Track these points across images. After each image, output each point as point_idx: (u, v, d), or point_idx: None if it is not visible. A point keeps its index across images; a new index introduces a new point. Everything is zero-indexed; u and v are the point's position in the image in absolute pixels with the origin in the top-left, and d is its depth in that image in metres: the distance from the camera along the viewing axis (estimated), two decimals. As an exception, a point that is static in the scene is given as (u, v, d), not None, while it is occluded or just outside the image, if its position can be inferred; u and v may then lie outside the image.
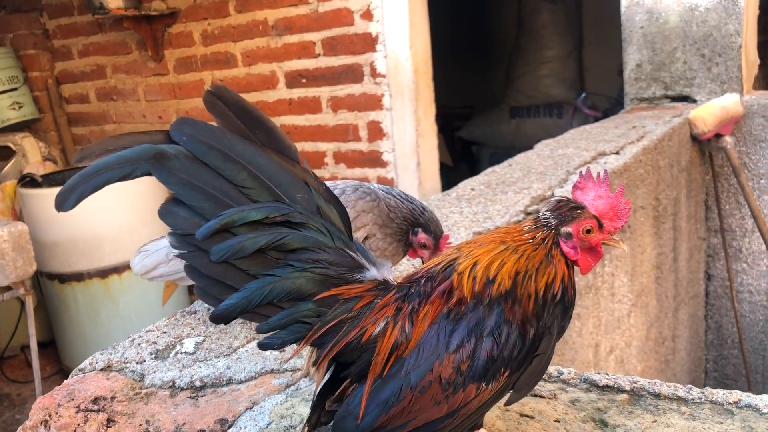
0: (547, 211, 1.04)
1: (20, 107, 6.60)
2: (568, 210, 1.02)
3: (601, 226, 1.01)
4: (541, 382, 1.26)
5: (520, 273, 0.98)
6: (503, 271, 0.98)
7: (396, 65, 4.90)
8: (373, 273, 1.01)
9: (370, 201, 1.48)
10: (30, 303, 4.85)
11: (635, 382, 1.22)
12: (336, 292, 0.97)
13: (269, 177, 0.95)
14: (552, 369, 1.29)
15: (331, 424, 0.99)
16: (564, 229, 1.01)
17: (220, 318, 0.95)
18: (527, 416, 1.16)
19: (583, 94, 6.98)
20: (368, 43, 5.00)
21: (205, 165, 0.92)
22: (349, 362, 0.98)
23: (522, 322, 0.96)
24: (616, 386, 1.23)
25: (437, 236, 1.51)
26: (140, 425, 1.23)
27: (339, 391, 0.99)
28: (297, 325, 0.96)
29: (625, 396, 1.20)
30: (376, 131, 5.14)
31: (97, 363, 1.47)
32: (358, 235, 1.50)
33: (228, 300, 0.94)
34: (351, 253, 0.99)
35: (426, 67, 5.03)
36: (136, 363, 1.47)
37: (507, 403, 1.05)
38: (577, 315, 2.52)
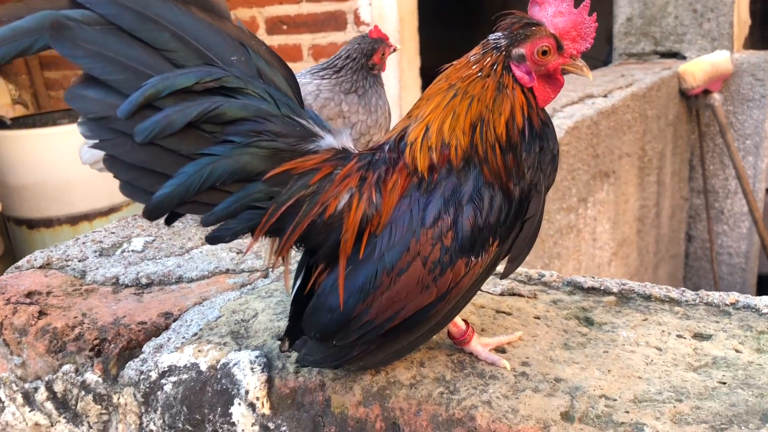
0: (497, 30, 0.89)
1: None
2: (520, 27, 0.87)
3: (560, 47, 0.87)
4: (520, 285, 1.15)
5: (476, 124, 0.85)
6: (457, 128, 0.85)
7: (381, 13, 4.73)
8: (329, 141, 0.87)
9: (335, 106, 1.35)
10: (-4, 246, 4.69)
11: (623, 285, 1.12)
12: (288, 166, 0.83)
13: (196, 38, 0.79)
14: (533, 272, 1.19)
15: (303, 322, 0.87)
16: (516, 51, 0.87)
17: (154, 212, 0.80)
18: (504, 312, 1.05)
19: (570, 56, 6.85)
20: (353, -11, 4.81)
21: (119, 30, 0.77)
22: (317, 247, 0.86)
23: (504, 182, 0.84)
24: (602, 288, 1.12)
25: (375, 41, 1.42)
26: (75, 317, 1.10)
27: (311, 283, 0.86)
28: (248, 211, 0.82)
29: (612, 298, 1.09)
30: (357, 82, 4.97)
31: (35, 260, 1.34)
32: None
33: (161, 189, 0.79)
34: (301, 120, 0.85)
35: (411, 17, 4.87)
36: (78, 261, 1.34)
37: (503, 276, 0.94)
38: (558, 254, 2.42)
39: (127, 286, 1.23)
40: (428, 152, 0.84)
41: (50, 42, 0.75)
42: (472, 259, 0.83)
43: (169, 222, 0.85)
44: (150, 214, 0.80)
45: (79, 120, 0.78)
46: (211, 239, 0.83)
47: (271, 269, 1.16)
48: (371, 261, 0.82)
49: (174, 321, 1.09)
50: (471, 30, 8.57)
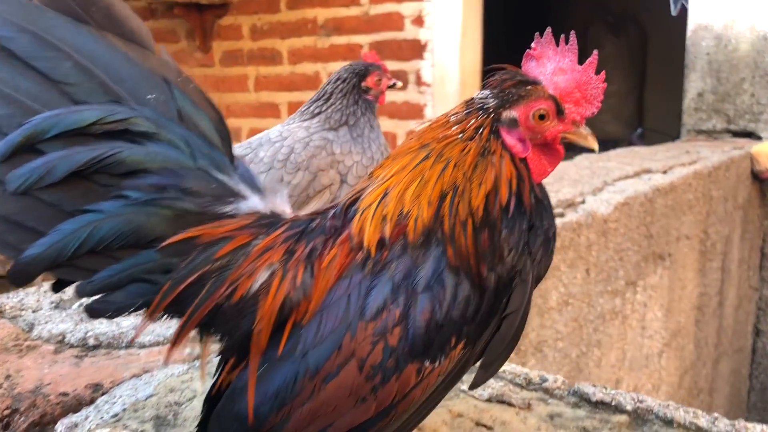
0: (485, 89, 0.73)
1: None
2: (513, 85, 0.71)
3: (560, 111, 0.71)
4: (515, 388, 0.96)
5: (447, 193, 0.68)
6: (422, 195, 0.68)
7: (443, 75, 4.65)
8: (252, 203, 0.71)
9: (327, 156, 1.20)
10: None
11: (640, 401, 0.91)
12: (192, 233, 0.67)
13: (106, 70, 0.66)
14: (534, 374, 0.99)
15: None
16: (507, 114, 0.71)
17: (21, 274, 0.65)
18: (484, 426, 0.85)
19: (639, 130, 6.61)
20: (416, 50, 4.77)
21: (11, 55, 0.64)
22: (226, 335, 0.69)
23: (474, 266, 0.66)
24: (613, 404, 0.91)
25: (370, 64, 1.29)
26: (-4, 379, 0.97)
27: (220, 380, 0.70)
28: (137, 284, 0.67)
29: (624, 417, 0.88)
30: (414, 142, 4.88)
31: (-12, 307, 1.23)
32: (324, 199, 1.23)
33: (31, 249, 0.64)
34: (220, 175, 0.69)
35: (474, 79, 4.77)
36: (32, 311, 1.21)
37: (471, 386, 0.74)
38: (598, 342, 2.18)
39: (71, 346, 1.09)
40: (381, 223, 0.67)
41: None
42: (426, 364, 0.65)
43: (56, 289, 0.70)
44: (15, 278, 0.65)
45: None
46: (90, 311, 0.68)
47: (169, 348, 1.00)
48: (291, 359, 0.64)
49: (102, 395, 0.94)
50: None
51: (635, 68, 7.56)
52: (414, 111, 4.84)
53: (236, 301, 0.66)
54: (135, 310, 0.68)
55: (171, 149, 0.67)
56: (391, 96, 4.94)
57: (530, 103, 0.71)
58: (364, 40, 4.99)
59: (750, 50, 4.01)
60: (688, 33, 4.19)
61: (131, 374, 0.99)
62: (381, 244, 0.67)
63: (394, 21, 4.84)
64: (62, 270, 0.65)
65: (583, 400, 0.94)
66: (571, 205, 2.08)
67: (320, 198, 1.20)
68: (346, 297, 0.65)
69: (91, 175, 0.64)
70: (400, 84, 1.36)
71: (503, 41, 7.46)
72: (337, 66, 5.12)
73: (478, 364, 0.71)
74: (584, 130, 0.72)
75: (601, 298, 2.17)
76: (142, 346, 1.09)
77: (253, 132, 5.53)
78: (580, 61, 0.72)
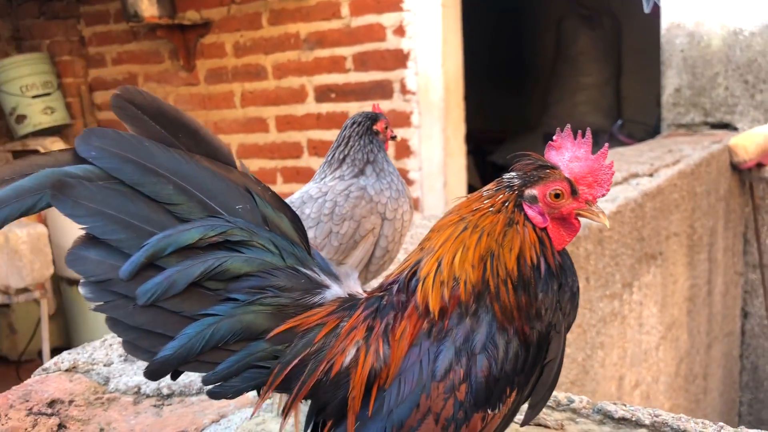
0: (512, 170, 0.88)
1: (52, 112, 6.56)
2: (534, 169, 0.86)
3: (575, 192, 0.85)
4: (547, 410, 1.10)
5: (485, 257, 0.82)
6: (466, 261, 0.82)
7: (426, 83, 4.79)
8: (335, 291, 0.85)
9: (366, 204, 1.34)
10: (45, 306, 4.79)
11: (656, 416, 1.06)
12: (292, 323, 0.81)
13: (200, 188, 0.79)
14: (562, 396, 1.13)
15: None
16: (528, 192, 0.85)
17: (156, 373, 0.79)
18: (527, 448, 1.00)
19: (619, 122, 6.78)
20: (399, 59, 4.90)
21: (121, 183, 0.76)
22: (325, 404, 0.83)
23: (519, 325, 0.80)
24: (634, 419, 1.06)
25: (377, 116, 1.44)
26: (92, 433, 1.10)
27: None
28: (252, 371, 0.81)
29: (643, 431, 1.03)
30: (403, 149, 5.01)
31: (62, 363, 1.35)
32: (369, 241, 1.37)
33: (163, 351, 0.77)
34: (306, 271, 0.83)
35: (457, 85, 4.91)
36: (104, 365, 1.34)
37: (523, 423, 0.90)
38: (601, 344, 2.34)
39: (148, 396, 1.22)
40: (440, 288, 0.82)
41: (52, 202, 0.75)
42: (489, 412, 0.80)
43: (174, 377, 0.83)
44: (152, 375, 0.79)
45: (80, 281, 0.77)
46: (212, 395, 0.81)
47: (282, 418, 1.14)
48: (379, 418, 0.79)
49: (190, 442, 1.07)
50: (521, 94, 8.60)
51: (611, 60, 7.73)
52: (401, 119, 4.97)
53: (333, 376, 0.80)
54: (251, 390, 0.81)
55: (264, 253, 0.80)
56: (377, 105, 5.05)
57: (548, 183, 0.85)
58: (347, 51, 5.10)
59: (722, 46, 4.19)
60: (662, 31, 4.36)
61: (210, 420, 1.12)
62: (443, 311, 0.81)
63: (375, 32, 4.96)
64: (190, 365, 0.79)
65: (606, 417, 1.08)
66: (568, 218, 2.22)
67: (365, 241, 1.34)
68: (419, 362, 0.79)
69: (203, 283, 0.78)
70: (399, 138, 1.49)
71: (483, 38, 7.58)
72: (322, 79, 5.25)
73: (526, 404, 0.86)
74: (596, 209, 0.86)
75: (601, 302, 2.33)
76: (211, 392, 1.22)
77: (243, 147, 5.64)
78: (594, 151, 0.87)
